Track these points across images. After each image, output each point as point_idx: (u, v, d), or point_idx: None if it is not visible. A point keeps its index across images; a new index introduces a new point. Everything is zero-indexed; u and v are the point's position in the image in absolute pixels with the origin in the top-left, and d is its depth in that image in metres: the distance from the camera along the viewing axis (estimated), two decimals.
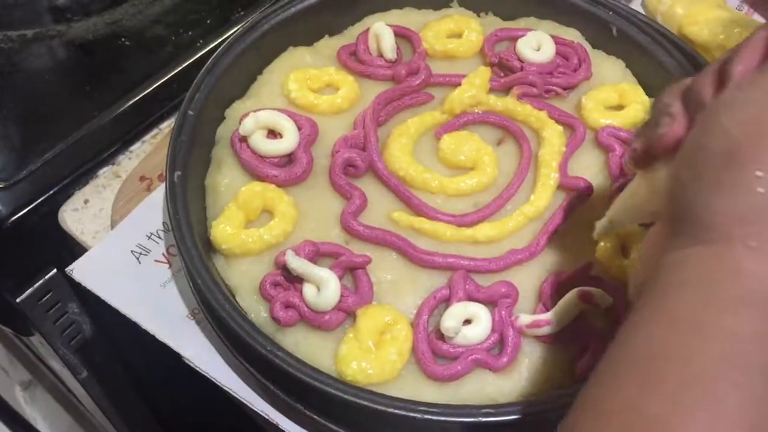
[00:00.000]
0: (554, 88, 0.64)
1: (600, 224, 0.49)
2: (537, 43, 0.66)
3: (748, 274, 0.30)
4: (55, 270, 0.67)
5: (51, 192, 0.65)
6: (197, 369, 0.54)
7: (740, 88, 0.33)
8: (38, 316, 0.69)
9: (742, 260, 0.31)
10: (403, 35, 0.67)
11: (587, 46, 0.68)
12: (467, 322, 0.51)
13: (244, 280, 0.54)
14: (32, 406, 1.12)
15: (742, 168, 0.31)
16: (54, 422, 1.13)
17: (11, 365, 1.04)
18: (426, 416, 0.46)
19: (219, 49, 0.63)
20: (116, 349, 0.78)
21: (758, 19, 0.76)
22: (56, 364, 0.79)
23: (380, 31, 0.65)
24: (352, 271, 0.54)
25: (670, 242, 0.34)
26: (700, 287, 0.31)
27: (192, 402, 0.75)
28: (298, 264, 0.51)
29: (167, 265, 0.59)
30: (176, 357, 0.55)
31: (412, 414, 0.46)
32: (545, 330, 0.51)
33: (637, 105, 0.63)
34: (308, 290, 0.51)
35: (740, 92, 0.33)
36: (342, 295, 0.51)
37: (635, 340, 0.32)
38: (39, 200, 0.64)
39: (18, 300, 0.66)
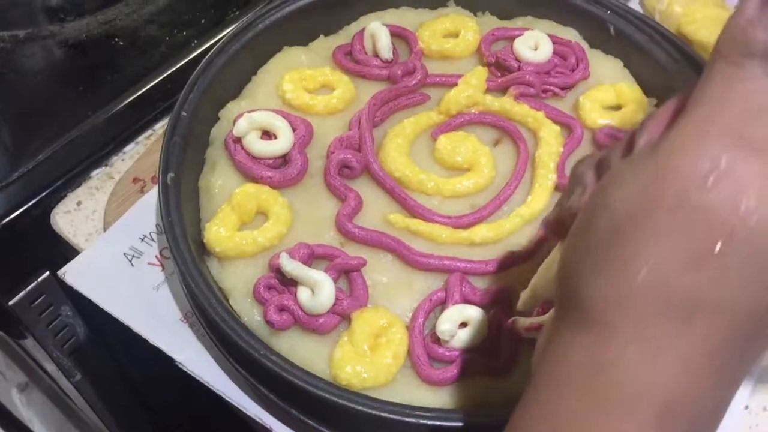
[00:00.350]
0: (552, 87, 0.63)
1: (523, 296, 0.47)
2: (534, 43, 0.65)
3: (624, 371, 0.29)
4: (47, 273, 0.66)
5: (43, 194, 0.64)
6: (190, 373, 0.53)
7: (630, 162, 0.30)
8: (31, 319, 0.69)
9: (618, 356, 0.29)
10: (399, 35, 0.67)
11: (585, 45, 0.67)
12: (463, 324, 0.51)
13: (238, 282, 0.53)
14: (29, 409, 1.11)
15: (623, 252, 0.29)
16: (51, 424, 1.12)
17: (8, 368, 1.04)
18: (421, 420, 0.45)
19: (213, 49, 0.62)
20: (110, 352, 0.77)
21: None
22: (50, 367, 0.79)
23: (376, 30, 0.64)
24: (347, 273, 0.53)
25: (557, 327, 0.32)
26: (579, 387, 0.30)
27: (186, 405, 0.75)
28: (292, 267, 0.50)
29: (160, 268, 0.58)
30: (170, 360, 0.54)
31: (406, 418, 0.46)
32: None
33: (635, 105, 0.62)
34: (302, 293, 0.51)
35: (628, 167, 0.30)
36: (337, 298, 0.51)
37: None
38: (31, 202, 0.63)
39: (10, 303, 0.66)
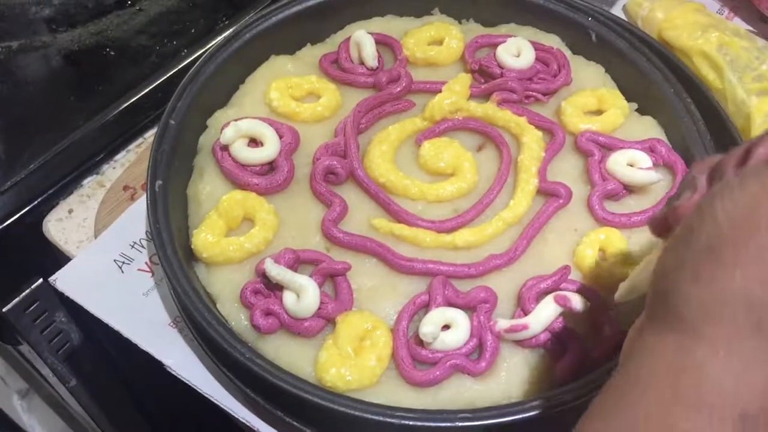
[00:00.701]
0: (534, 93, 0.64)
1: (622, 287, 0.46)
2: (517, 50, 0.66)
3: (708, 377, 0.30)
4: (41, 279, 0.67)
5: (36, 202, 0.65)
6: (179, 377, 0.54)
7: (742, 176, 0.31)
8: (25, 326, 0.69)
9: (705, 361, 0.30)
10: (384, 43, 0.68)
11: (567, 51, 0.68)
12: (446, 327, 0.52)
13: (225, 287, 0.54)
14: (30, 415, 1.12)
15: (723, 264, 0.29)
16: (51, 430, 1.13)
17: (8, 374, 1.05)
18: (403, 421, 0.46)
19: (201, 59, 0.63)
20: (105, 357, 0.78)
21: (738, 23, 0.77)
22: (46, 373, 0.79)
23: (361, 39, 0.65)
24: (333, 277, 0.54)
25: (646, 324, 0.33)
26: (660, 384, 0.31)
27: (182, 408, 0.76)
28: (277, 272, 0.51)
29: (150, 274, 0.59)
30: (160, 364, 0.55)
31: (389, 419, 0.47)
32: (524, 334, 0.51)
33: (615, 110, 0.63)
34: (288, 298, 0.52)
35: (740, 181, 0.31)
36: (322, 302, 0.52)
37: None
38: (24, 210, 0.65)
39: (4, 310, 0.66)
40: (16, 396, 1.09)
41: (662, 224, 0.37)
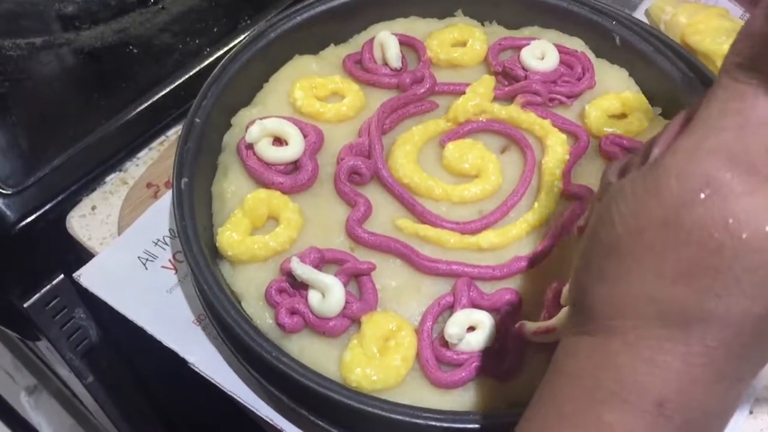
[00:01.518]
0: (558, 96, 0.64)
1: (565, 291, 0.48)
2: (541, 52, 0.66)
3: (624, 368, 0.31)
4: (62, 276, 0.68)
5: (59, 198, 0.65)
6: (202, 374, 0.54)
7: (632, 179, 0.32)
8: (45, 322, 0.70)
9: (619, 354, 0.31)
10: (407, 44, 0.68)
11: (591, 54, 0.68)
12: (471, 329, 0.51)
13: (250, 286, 0.54)
14: (37, 411, 1.12)
15: (622, 261, 0.31)
16: (59, 427, 1.13)
17: (17, 370, 1.05)
18: (429, 422, 0.46)
19: (225, 58, 0.63)
20: (122, 354, 0.79)
21: None
22: (62, 369, 0.80)
23: (385, 39, 0.66)
24: (357, 277, 0.54)
25: (569, 327, 0.35)
26: (583, 381, 0.32)
27: (198, 407, 0.76)
28: (303, 270, 0.51)
29: (174, 271, 0.59)
30: (182, 362, 0.55)
31: (415, 420, 0.46)
32: (549, 337, 0.51)
33: (639, 113, 0.63)
34: (313, 297, 0.52)
35: (630, 182, 0.32)
36: (347, 302, 0.52)
37: None
38: (47, 206, 0.65)
39: (25, 305, 0.67)
40: (23, 392, 1.10)
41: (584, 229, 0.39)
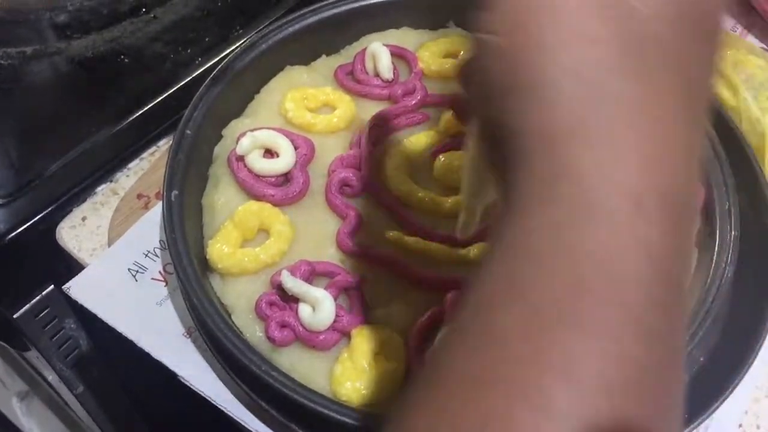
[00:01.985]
0: None
1: (460, 219, 0.42)
2: None
3: (593, 173, 0.26)
4: (52, 286, 0.67)
5: (49, 209, 0.65)
6: (192, 387, 0.54)
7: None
8: (35, 332, 0.69)
9: (585, 158, 0.27)
10: (399, 55, 0.68)
11: None
12: None
13: (240, 299, 0.54)
14: (28, 417, 1.11)
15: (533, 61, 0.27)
16: None
17: (8, 376, 1.04)
18: None
19: (217, 69, 0.63)
20: (112, 365, 0.78)
21: (752, 41, 0.77)
22: (52, 378, 0.79)
23: (377, 51, 0.66)
24: (348, 290, 0.54)
25: (513, 188, 0.28)
26: (552, 200, 0.27)
27: (188, 419, 0.75)
28: (293, 284, 0.51)
29: (164, 284, 0.59)
30: (172, 375, 0.55)
31: None
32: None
33: None
34: (304, 310, 0.52)
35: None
36: (337, 315, 0.52)
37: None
38: (37, 217, 0.64)
39: (15, 316, 0.66)
40: (15, 398, 1.09)
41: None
